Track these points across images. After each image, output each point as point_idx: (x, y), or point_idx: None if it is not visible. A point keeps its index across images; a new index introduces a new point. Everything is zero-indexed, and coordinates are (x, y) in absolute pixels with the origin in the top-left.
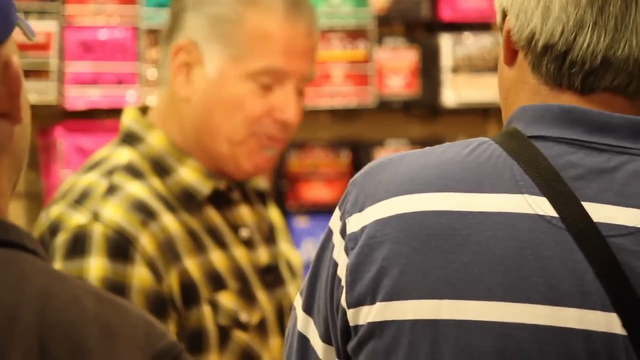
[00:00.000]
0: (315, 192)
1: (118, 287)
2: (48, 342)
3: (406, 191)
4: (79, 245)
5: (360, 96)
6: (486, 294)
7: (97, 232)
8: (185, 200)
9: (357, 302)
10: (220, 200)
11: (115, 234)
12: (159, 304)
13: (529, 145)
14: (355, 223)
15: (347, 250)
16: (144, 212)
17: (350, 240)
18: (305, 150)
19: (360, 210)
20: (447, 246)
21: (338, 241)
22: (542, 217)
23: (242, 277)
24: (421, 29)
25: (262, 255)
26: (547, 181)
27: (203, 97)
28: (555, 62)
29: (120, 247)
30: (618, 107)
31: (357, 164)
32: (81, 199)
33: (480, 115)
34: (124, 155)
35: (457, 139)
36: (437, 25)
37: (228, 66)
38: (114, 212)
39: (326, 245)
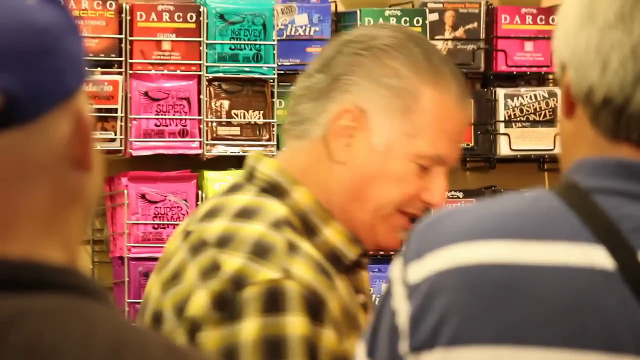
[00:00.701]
0: None
1: (312, 347)
2: None
3: (465, 239)
4: (275, 301)
5: None
6: (545, 342)
7: (294, 289)
8: (332, 263)
9: (416, 349)
10: (352, 265)
11: (309, 294)
12: None
13: (587, 198)
14: (416, 271)
15: (408, 299)
16: (326, 275)
17: (411, 289)
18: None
19: (420, 258)
20: (505, 296)
21: (398, 289)
22: (599, 268)
23: None
24: (476, 82)
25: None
26: (604, 232)
27: (363, 165)
28: (613, 116)
29: (315, 308)
30: None
31: None
32: (263, 253)
33: (534, 166)
34: (279, 208)
35: (511, 189)
36: (492, 77)
37: (399, 142)
38: (304, 272)
39: (387, 294)
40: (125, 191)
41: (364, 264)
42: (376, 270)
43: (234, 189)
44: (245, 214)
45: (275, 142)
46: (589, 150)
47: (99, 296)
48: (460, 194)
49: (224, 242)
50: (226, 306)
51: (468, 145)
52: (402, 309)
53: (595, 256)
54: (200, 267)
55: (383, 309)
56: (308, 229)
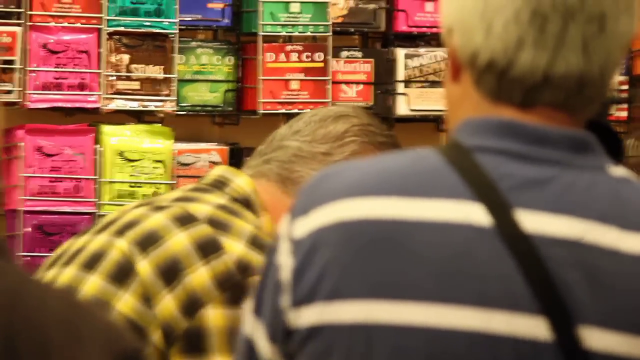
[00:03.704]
0: None
1: None
2: (14, 342)
3: (348, 195)
4: None
5: (316, 105)
6: (420, 297)
7: None
8: None
9: (297, 304)
10: None
11: None
12: None
13: (467, 156)
14: (301, 227)
15: (292, 254)
16: None
17: (295, 244)
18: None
19: (306, 214)
20: (384, 251)
21: (284, 245)
22: (476, 225)
23: None
24: (377, 41)
25: None
26: (483, 190)
27: None
28: (496, 78)
29: None
30: (557, 122)
31: None
32: (263, 249)
33: (432, 126)
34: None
35: (408, 149)
36: (392, 38)
37: None
38: None
39: (274, 249)
40: (22, 144)
41: None
42: None
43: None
44: (225, 224)
45: (174, 98)
46: (474, 112)
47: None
48: None
49: (219, 225)
50: (230, 288)
51: (367, 104)
52: (285, 263)
53: (473, 213)
54: (194, 240)
55: (269, 265)
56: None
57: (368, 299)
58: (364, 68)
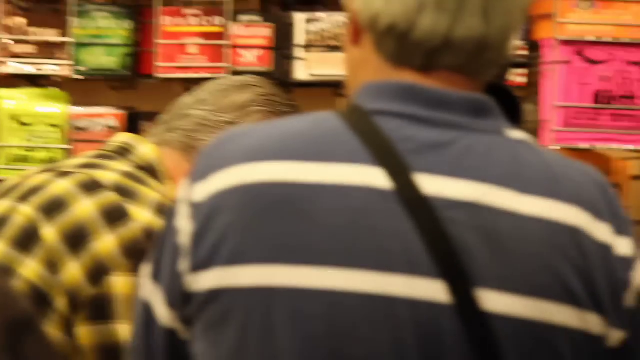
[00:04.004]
0: None
1: None
2: None
3: (248, 160)
4: None
5: (214, 69)
6: (318, 260)
7: None
8: None
9: (196, 268)
10: None
11: None
12: None
13: (367, 120)
14: (200, 191)
15: (191, 218)
16: None
17: (194, 208)
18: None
19: (205, 178)
20: (284, 215)
21: (183, 209)
22: (376, 188)
23: None
24: (276, 6)
25: None
26: (382, 153)
27: None
28: (397, 42)
29: None
30: (457, 85)
31: None
32: (161, 212)
33: (331, 91)
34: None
35: (308, 112)
36: (292, 2)
37: None
38: None
39: (173, 214)
40: None
41: None
42: None
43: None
44: (130, 192)
45: (71, 62)
46: (374, 76)
47: None
48: None
49: (125, 192)
50: (138, 257)
51: (267, 69)
52: (184, 228)
53: (373, 177)
54: (101, 206)
55: (168, 229)
56: None
57: (267, 263)
58: (263, 32)
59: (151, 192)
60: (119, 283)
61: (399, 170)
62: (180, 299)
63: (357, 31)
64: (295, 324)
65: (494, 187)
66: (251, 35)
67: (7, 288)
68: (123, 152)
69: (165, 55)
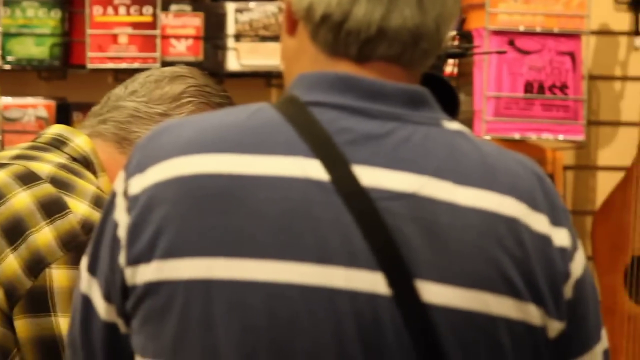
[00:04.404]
0: None
1: None
2: None
3: (185, 152)
4: None
5: (145, 59)
6: (258, 253)
7: None
8: None
9: (134, 262)
10: None
11: None
12: None
13: (304, 111)
14: (137, 184)
15: (128, 211)
16: None
17: (131, 201)
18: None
19: (142, 171)
20: (222, 207)
21: (120, 202)
22: (313, 180)
23: None
24: None
25: None
26: (319, 145)
27: None
28: (332, 32)
29: None
30: (392, 76)
31: None
32: (98, 205)
33: (262, 81)
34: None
35: (239, 103)
36: None
37: None
38: None
39: (110, 207)
40: None
41: None
42: None
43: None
44: (71, 184)
45: (0, 52)
46: (310, 67)
47: None
48: None
49: (61, 184)
50: (74, 248)
51: (197, 59)
52: (122, 220)
53: (310, 168)
54: (37, 198)
55: (105, 222)
56: None
57: (205, 256)
58: (193, 22)
59: (87, 184)
60: (56, 276)
61: (337, 162)
62: (118, 292)
63: (292, 21)
64: (235, 315)
65: (432, 178)
66: (181, 25)
67: None
68: (57, 143)
69: (96, 45)
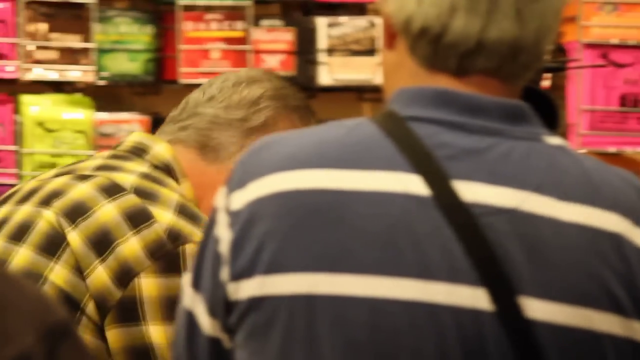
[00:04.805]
0: None
1: None
2: None
3: (285, 168)
4: None
5: None
6: (360, 268)
7: None
8: None
9: (237, 277)
10: None
11: None
12: None
13: (403, 126)
14: (238, 200)
15: (230, 227)
16: None
17: (233, 217)
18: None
19: (243, 187)
20: (323, 222)
21: (222, 218)
22: (414, 195)
23: None
24: (297, 10)
25: None
26: (419, 160)
27: None
28: (430, 45)
29: None
30: (491, 90)
31: None
32: (192, 217)
33: (354, 95)
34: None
35: (331, 118)
36: (313, 6)
37: None
38: None
39: (212, 223)
40: None
41: None
42: None
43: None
44: (156, 184)
45: (94, 67)
46: (409, 80)
47: None
48: None
49: (145, 194)
50: (161, 257)
51: (290, 74)
52: (224, 236)
53: (411, 184)
54: (123, 210)
55: (207, 238)
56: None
57: (308, 272)
58: (285, 37)
59: (170, 192)
60: (145, 285)
61: (437, 177)
62: (222, 307)
63: (390, 35)
64: (338, 330)
65: (533, 193)
66: (273, 39)
67: (41, 294)
68: (138, 151)
69: (188, 60)
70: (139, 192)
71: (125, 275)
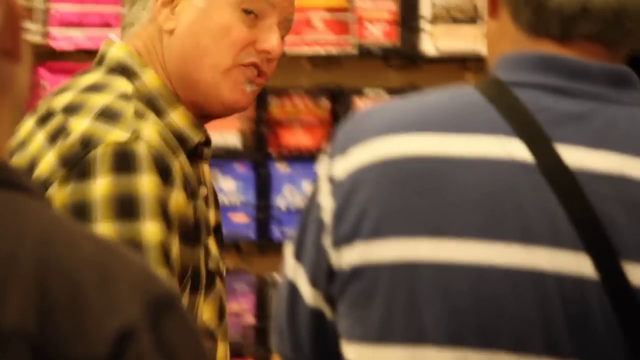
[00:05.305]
0: (295, 138)
1: (164, 205)
2: (47, 284)
3: (387, 132)
4: (126, 161)
5: (340, 44)
6: (462, 233)
7: (143, 150)
8: (178, 144)
9: (339, 244)
10: (192, 152)
11: (159, 156)
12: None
13: (506, 91)
14: (340, 167)
15: (332, 194)
16: (171, 143)
17: (335, 184)
18: (286, 97)
19: (344, 153)
20: (425, 187)
21: (324, 185)
22: (517, 160)
23: (208, 230)
24: None
25: (212, 215)
26: (523, 125)
27: (189, 26)
28: (533, 11)
29: (164, 169)
30: (595, 55)
31: (336, 111)
32: (112, 117)
33: (458, 65)
34: (127, 86)
35: (435, 87)
36: None
37: None
38: (152, 136)
39: (314, 191)
40: (45, 82)
41: (205, 156)
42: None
43: (83, 72)
44: (94, 88)
45: None
46: (512, 48)
47: (31, 191)
48: (384, 93)
49: (72, 108)
50: (75, 164)
51: (393, 43)
52: (327, 204)
53: (514, 148)
54: (48, 133)
55: (311, 205)
56: (155, 110)
57: (410, 237)
58: (388, 6)
59: (101, 97)
60: (58, 193)
61: (540, 141)
62: (324, 277)
63: (493, 3)
64: (440, 298)
65: (636, 159)
66: (376, 8)
67: (146, 266)
68: (99, 61)
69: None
70: (68, 109)
71: (42, 188)
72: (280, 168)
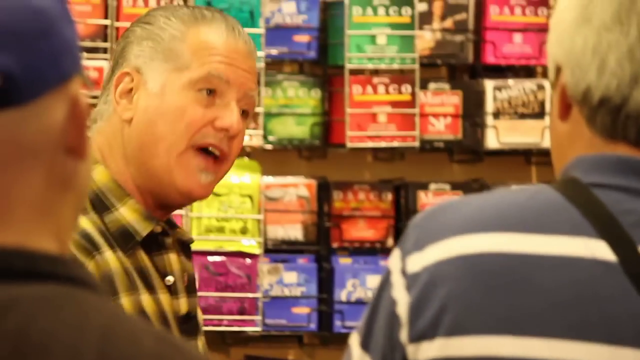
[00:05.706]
0: (358, 231)
1: None
2: None
3: (466, 231)
4: None
5: (404, 138)
6: (546, 332)
7: None
8: (122, 240)
9: (417, 339)
10: (152, 244)
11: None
12: None
13: (587, 192)
14: (416, 262)
15: (407, 289)
16: (90, 243)
17: (411, 279)
18: (349, 190)
19: (420, 249)
20: (507, 286)
21: (398, 280)
22: (600, 260)
23: (166, 323)
24: (464, 73)
25: (183, 304)
26: (605, 226)
27: (145, 113)
28: (610, 115)
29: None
30: None
31: (399, 205)
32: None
33: (521, 159)
34: None
35: (499, 182)
36: (480, 69)
37: (171, 78)
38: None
39: (385, 285)
40: None
41: (168, 246)
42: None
43: None
44: None
45: (261, 131)
46: (585, 150)
47: (90, 286)
48: (448, 186)
49: None
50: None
51: (456, 137)
52: (401, 298)
53: (597, 249)
54: None
55: (380, 299)
56: (101, 207)
57: (492, 334)
58: (452, 100)
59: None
60: None
61: (624, 243)
62: None
63: (565, 105)
64: None
65: None
66: (440, 103)
67: (204, 357)
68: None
69: (355, 124)
70: None
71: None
72: (343, 261)
